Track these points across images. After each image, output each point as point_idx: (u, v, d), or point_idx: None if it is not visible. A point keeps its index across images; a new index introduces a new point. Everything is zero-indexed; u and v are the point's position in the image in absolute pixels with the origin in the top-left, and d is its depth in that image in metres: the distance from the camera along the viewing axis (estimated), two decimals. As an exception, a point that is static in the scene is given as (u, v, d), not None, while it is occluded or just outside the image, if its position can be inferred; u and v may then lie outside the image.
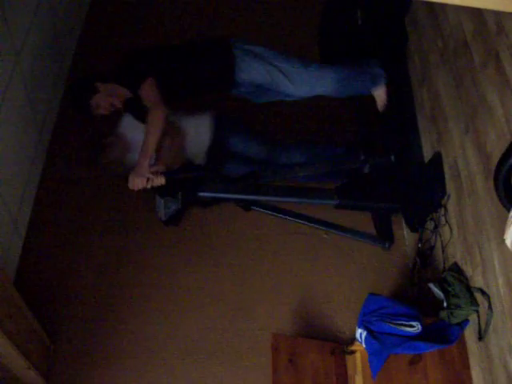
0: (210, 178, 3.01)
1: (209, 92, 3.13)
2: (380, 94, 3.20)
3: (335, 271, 3.11)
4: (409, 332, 2.27)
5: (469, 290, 2.34)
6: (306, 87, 3.06)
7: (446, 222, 2.68)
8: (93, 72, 3.02)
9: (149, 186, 2.82)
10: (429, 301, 2.56)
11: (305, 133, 3.56)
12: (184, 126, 3.11)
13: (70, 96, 2.97)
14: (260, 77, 2.98)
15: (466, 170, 2.48)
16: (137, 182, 2.79)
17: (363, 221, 3.24)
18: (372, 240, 3.18)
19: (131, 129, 3.06)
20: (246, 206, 3.13)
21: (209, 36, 3.16)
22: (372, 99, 3.22)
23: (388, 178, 3.19)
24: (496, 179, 1.96)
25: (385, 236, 3.18)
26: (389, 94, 3.21)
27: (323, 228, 3.16)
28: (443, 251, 2.69)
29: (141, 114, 2.97)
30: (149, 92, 2.81)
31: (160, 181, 2.83)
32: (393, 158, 3.13)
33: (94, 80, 2.86)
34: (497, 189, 1.98)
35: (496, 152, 2.18)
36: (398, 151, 3.16)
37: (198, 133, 3.13)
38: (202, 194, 2.97)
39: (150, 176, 2.79)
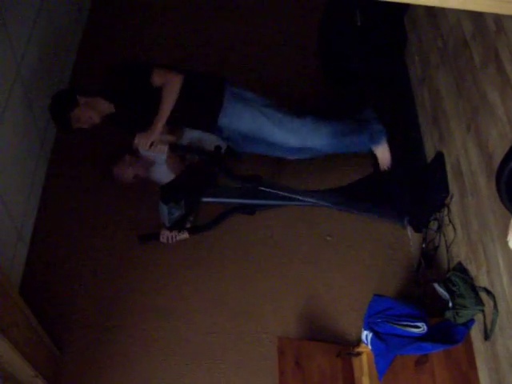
0: (212, 183, 3.01)
1: (187, 126, 3.11)
2: (382, 153, 3.02)
3: (339, 273, 3.11)
4: (414, 333, 2.26)
5: (474, 289, 2.34)
6: (296, 137, 2.90)
7: (450, 221, 2.68)
8: (76, 85, 3.02)
9: (152, 151, 2.87)
10: (434, 301, 2.55)
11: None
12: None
13: (50, 108, 2.97)
14: (243, 124, 2.88)
15: (469, 169, 2.48)
16: (142, 142, 2.84)
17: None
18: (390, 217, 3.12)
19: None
20: (251, 210, 3.13)
21: (207, 72, 3.09)
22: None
23: (391, 179, 3.19)
24: (498, 182, 1.96)
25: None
26: (392, 153, 3.02)
27: (342, 208, 3.07)
28: (447, 251, 2.69)
29: (127, 127, 2.99)
30: (160, 73, 2.81)
31: (161, 149, 2.87)
32: (406, 221, 3.04)
33: (75, 93, 2.88)
34: (499, 191, 1.97)
35: (498, 151, 2.18)
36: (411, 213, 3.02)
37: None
38: (205, 199, 2.97)
39: (157, 141, 2.84)
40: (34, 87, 3.07)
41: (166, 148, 2.90)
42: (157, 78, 2.81)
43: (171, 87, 2.79)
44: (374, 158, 3.14)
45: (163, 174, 3.17)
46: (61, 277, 3.02)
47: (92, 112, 2.86)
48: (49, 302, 2.92)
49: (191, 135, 3.20)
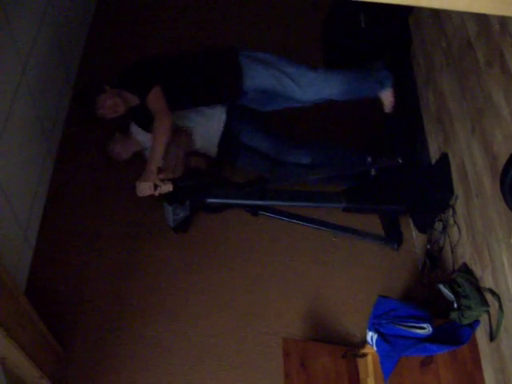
0: (216, 184, 3.02)
1: (215, 102, 3.15)
2: (387, 96, 3.20)
3: (344, 274, 3.11)
4: (420, 334, 2.26)
5: (479, 290, 2.34)
6: (313, 90, 3.09)
7: (455, 222, 2.68)
8: (103, 78, 3.06)
9: (157, 194, 2.84)
10: (439, 302, 2.55)
11: (316, 133, 3.59)
12: (193, 120, 3.14)
13: (77, 92, 3.00)
14: (266, 82, 3.02)
15: (473, 170, 2.48)
16: (144, 188, 2.82)
17: (371, 222, 3.25)
18: (381, 241, 3.18)
19: (140, 132, 3.17)
20: (254, 211, 3.13)
21: (215, 46, 3.18)
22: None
23: (395, 179, 3.19)
24: (502, 184, 1.96)
25: (393, 236, 3.17)
26: (395, 96, 3.21)
27: (332, 230, 3.16)
28: (452, 252, 2.68)
29: (144, 122, 3.01)
30: (156, 100, 2.88)
31: (168, 187, 2.85)
32: (400, 160, 3.12)
33: (103, 83, 2.93)
34: (503, 193, 1.97)
35: (503, 152, 2.18)
36: (406, 153, 3.15)
37: (209, 126, 3.16)
38: (210, 200, 2.98)
39: (158, 182, 2.81)
40: (39, 88, 3.08)
41: (170, 184, 2.87)
42: (151, 100, 2.88)
43: (160, 132, 2.85)
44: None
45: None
46: (66, 278, 3.03)
47: (118, 99, 2.89)
48: (54, 303, 2.92)
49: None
